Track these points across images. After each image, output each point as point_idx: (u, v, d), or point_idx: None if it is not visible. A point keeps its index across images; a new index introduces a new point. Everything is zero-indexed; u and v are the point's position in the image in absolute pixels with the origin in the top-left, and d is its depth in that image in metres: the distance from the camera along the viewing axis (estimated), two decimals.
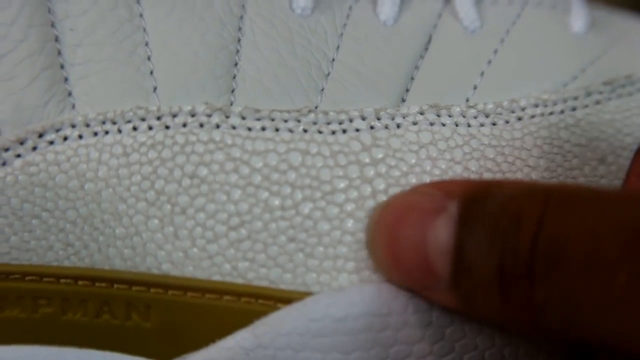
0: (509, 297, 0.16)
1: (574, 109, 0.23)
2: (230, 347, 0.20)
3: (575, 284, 0.15)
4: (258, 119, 0.21)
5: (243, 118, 0.21)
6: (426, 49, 0.23)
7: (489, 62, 0.23)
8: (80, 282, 0.21)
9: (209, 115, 0.21)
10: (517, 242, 0.16)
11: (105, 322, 0.21)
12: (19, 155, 0.20)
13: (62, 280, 0.21)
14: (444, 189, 0.19)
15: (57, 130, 0.21)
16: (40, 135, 0.20)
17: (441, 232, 0.18)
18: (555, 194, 0.16)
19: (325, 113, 0.21)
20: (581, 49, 0.24)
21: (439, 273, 0.18)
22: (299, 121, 0.21)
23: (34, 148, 0.20)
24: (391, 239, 0.19)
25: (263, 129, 0.21)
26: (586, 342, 0.16)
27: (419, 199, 0.19)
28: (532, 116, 0.23)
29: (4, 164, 0.20)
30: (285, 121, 0.21)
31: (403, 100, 0.22)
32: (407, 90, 0.22)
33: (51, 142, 0.21)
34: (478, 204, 0.18)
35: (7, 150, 0.20)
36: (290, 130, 0.21)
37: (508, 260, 0.16)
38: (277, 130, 0.21)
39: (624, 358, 0.17)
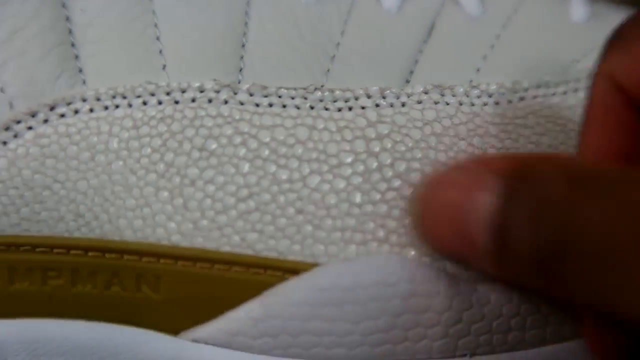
0: (547, 274, 0.17)
1: (576, 90, 0.23)
2: (239, 318, 0.20)
3: (597, 266, 0.16)
4: (265, 96, 0.21)
5: (251, 94, 0.21)
6: (429, 35, 0.24)
7: (492, 46, 0.24)
8: (90, 254, 0.21)
9: (217, 91, 0.21)
10: (557, 224, 0.16)
11: (115, 293, 0.21)
12: (30, 128, 0.21)
13: (72, 252, 0.21)
14: (486, 164, 0.19)
15: (69, 104, 0.21)
16: (52, 108, 0.21)
17: (483, 207, 0.18)
18: (591, 176, 0.17)
19: (332, 91, 0.22)
20: (582, 36, 0.25)
21: (479, 245, 0.18)
22: (305, 98, 0.22)
23: (46, 120, 0.21)
24: (432, 212, 0.20)
25: (270, 105, 0.21)
26: (611, 322, 0.17)
27: (460, 174, 0.20)
28: (535, 97, 0.23)
29: (15, 136, 0.21)
30: (292, 98, 0.21)
31: (407, 82, 0.23)
32: (411, 73, 0.23)
33: (62, 115, 0.21)
34: (523, 183, 0.18)
35: (18, 122, 0.21)
36: (297, 107, 0.21)
37: (549, 241, 0.17)
38: (284, 106, 0.21)
39: None
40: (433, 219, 0.20)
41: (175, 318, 0.21)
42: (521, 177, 0.18)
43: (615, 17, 0.26)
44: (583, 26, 0.25)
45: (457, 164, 0.21)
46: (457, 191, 0.19)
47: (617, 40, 0.20)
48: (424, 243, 0.21)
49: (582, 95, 0.23)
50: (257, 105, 0.21)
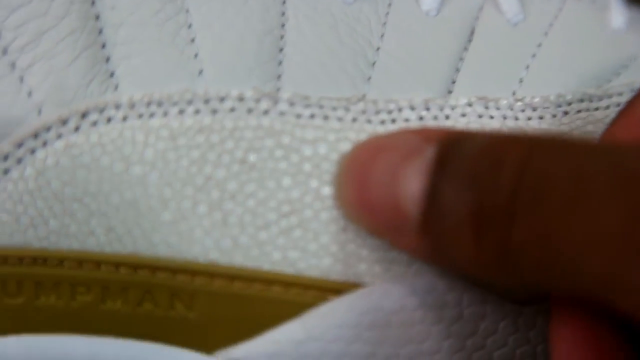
0: (483, 240, 0.16)
1: (618, 104, 0.23)
2: (279, 339, 0.19)
3: (558, 222, 0.14)
4: (307, 106, 0.20)
5: (291, 104, 0.20)
6: (470, 40, 0.23)
7: (534, 55, 0.23)
8: (121, 270, 0.20)
9: (257, 101, 0.20)
10: (498, 183, 0.15)
11: (147, 311, 0.20)
12: (60, 136, 0.19)
13: (103, 267, 0.20)
14: (422, 134, 0.18)
15: (101, 111, 0.20)
16: (84, 116, 0.20)
17: (414, 175, 0.17)
18: (541, 139, 0.16)
19: (374, 102, 0.21)
20: (621, 45, 0.24)
21: (409, 216, 0.17)
22: (348, 110, 0.21)
23: (77, 128, 0.20)
24: (360, 178, 0.19)
25: (312, 116, 0.20)
26: (562, 290, 0.16)
27: (394, 141, 0.19)
28: (578, 111, 0.22)
29: (44, 144, 0.19)
30: (334, 109, 0.20)
31: (449, 92, 0.22)
32: (453, 82, 0.22)
33: (94, 123, 0.20)
34: (457, 147, 0.17)
35: (48, 129, 0.19)
36: (340, 119, 0.20)
37: (486, 201, 0.15)
38: (326, 118, 0.20)
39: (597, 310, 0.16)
40: (362, 187, 0.19)
41: (210, 337, 0.20)
42: (455, 143, 0.17)
43: None
44: (622, 34, 0.24)
45: (393, 132, 0.19)
46: (391, 159, 0.18)
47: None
48: (349, 215, 0.19)
49: None
50: (299, 116, 0.20)
